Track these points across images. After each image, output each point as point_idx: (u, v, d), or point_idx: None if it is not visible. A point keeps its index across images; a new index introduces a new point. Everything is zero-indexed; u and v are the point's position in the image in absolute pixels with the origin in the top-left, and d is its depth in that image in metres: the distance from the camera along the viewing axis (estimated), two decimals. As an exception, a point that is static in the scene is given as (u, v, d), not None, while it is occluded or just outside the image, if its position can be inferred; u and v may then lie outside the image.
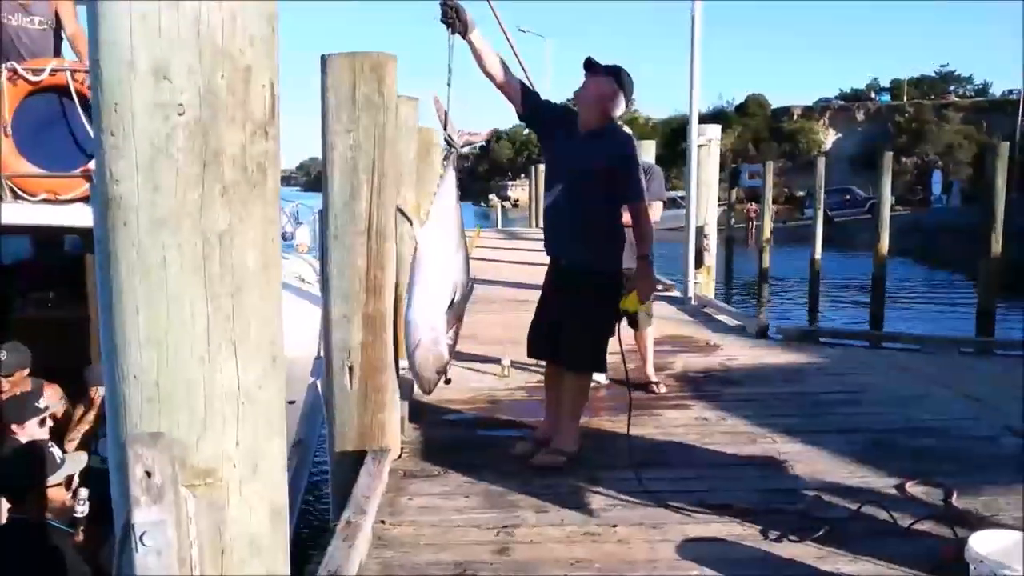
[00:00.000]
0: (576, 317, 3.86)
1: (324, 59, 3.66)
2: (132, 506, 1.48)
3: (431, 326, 3.48)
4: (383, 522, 3.21)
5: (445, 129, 3.81)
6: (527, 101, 4.00)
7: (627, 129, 4.38)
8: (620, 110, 3.97)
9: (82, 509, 3.40)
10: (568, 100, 4.60)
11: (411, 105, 5.76)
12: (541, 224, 5.87)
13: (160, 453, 1.48)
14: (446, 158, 3.87)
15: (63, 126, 4.79)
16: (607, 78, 3.88)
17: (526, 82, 4.16)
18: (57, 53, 5.13)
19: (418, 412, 4.65)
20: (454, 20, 3.67)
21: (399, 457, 3.92)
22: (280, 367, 1.71)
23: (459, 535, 3.12)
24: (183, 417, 1.59)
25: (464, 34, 3.73)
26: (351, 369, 3.71)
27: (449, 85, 3.73)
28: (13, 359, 4.24)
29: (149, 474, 1.48)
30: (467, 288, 3.60)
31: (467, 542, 3.06)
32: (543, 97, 4.14)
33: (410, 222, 3.93)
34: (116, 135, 1.54)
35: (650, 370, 5.37)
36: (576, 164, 3.85)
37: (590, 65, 3.92)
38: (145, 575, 1.47)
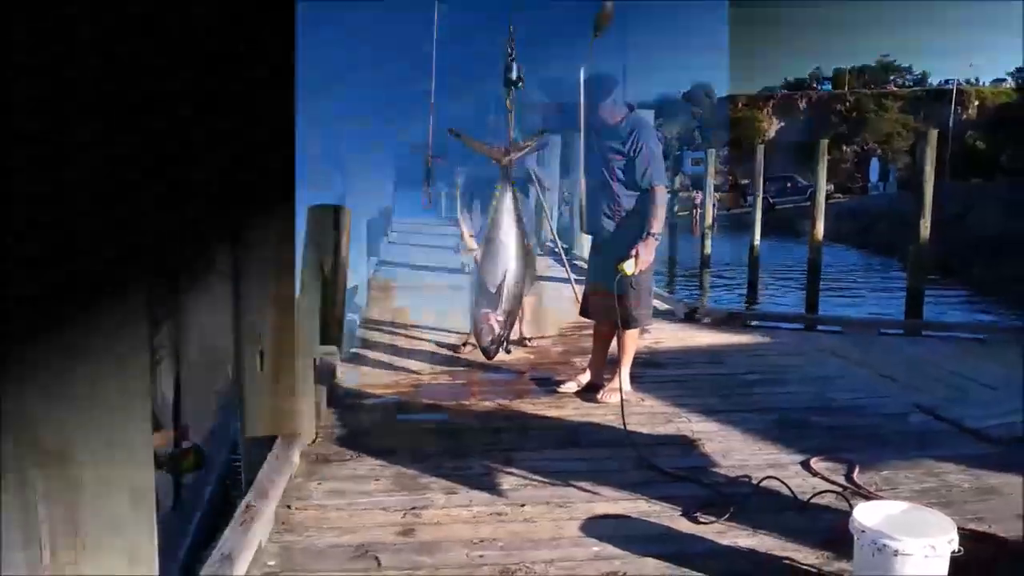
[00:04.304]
0: (619, 286, 4.35)
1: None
2: (-28, 487, 1.44)
3: (481, 307, 4.03)
4: (288, 507, 3.17)
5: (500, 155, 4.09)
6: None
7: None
8: (618, 101, 4.49)
9: None
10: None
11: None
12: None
13: (3, 432, 1.44)
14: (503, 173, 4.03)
15: None
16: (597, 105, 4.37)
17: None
18: None
19: (337, 397, 4.61)
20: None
21: (313, 442, 3.88)
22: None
23: (365, 518, 3.09)
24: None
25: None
26: (261, 353, 3.65)
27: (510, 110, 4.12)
28: None
29: (-10, 454, 1.44)
30: (518, 275, 4.02)
31: (372, 524, 3.03)
32: None
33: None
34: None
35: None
36: (602, 156, 4.47)
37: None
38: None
